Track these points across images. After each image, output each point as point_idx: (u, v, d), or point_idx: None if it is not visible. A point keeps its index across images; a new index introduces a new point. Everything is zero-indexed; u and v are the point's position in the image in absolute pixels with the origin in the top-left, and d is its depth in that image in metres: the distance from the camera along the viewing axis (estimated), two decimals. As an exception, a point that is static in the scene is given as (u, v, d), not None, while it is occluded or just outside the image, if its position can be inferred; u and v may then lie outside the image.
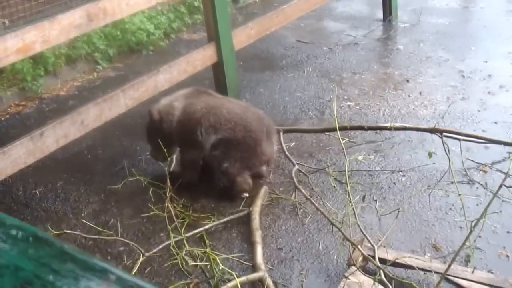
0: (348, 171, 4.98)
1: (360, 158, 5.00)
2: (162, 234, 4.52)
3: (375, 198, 4.75)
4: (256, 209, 4.59)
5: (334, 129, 5.44)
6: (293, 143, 5.58)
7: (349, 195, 4.08)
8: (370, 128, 5.55)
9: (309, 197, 4.53)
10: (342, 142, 4.40)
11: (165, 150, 4.76)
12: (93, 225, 4.57)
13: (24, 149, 4.25)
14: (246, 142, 4.75)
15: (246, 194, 4.83)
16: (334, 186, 4.84)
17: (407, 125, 5.54)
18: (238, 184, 4.81)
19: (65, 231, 4.23)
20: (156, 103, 5.02)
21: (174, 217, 4.53)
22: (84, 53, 7.71)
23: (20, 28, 4.22)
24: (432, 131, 5.24)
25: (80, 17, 4.47)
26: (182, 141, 4.91)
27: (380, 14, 9.00)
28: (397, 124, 5.54)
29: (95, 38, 7.72)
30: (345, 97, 6.47)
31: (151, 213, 4.63)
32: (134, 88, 4.93)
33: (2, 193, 5.15)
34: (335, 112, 4.71)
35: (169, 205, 4.60)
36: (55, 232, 4.15)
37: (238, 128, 4.74)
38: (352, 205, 4.04)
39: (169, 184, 4.50)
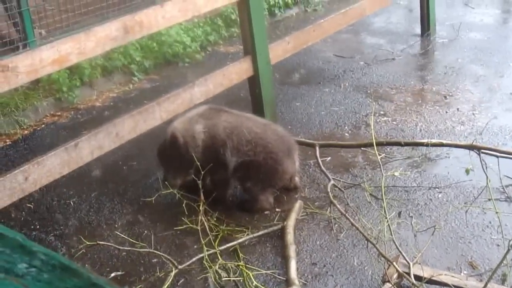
0: (384, 187, 4.94)
1: (396, 174, 4.93)
2: (195, 247, 4.49)
3: (410, 214, 4.67)
4: (291, 223, 4.55)
5: (370, 145, 5.40)
6: (328, 158, 5.53)
7: (385, 211, 4.02)
8: (407, 144, 5.47)
9: (345, 213, 4.48)
10: (379, 157, 4.34)
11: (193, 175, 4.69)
12: (126, 237, 4.56)
13: (59, 159, 4.26)
14: (268, 163, 4.77)
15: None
16: (370, 202, 4.77)
17: (444, 142, 5.45)
18: (259, 203, 4.85)
19: (98, 242, 4.22)
20: (174, 125, 4.90)
21: (208, 230, 4.50)
22: (120, 64, 7.76)
23: (56, 40, 4.24)
24: (470, 148, 5.15)
25: (117, 30, 4.48)
26: (210, 162, 4.75)
27: (418, 29, 8.91)
28: (434, 141, 5.47)
29: (131, 50, 7.76)
30: (382, 112, 6.40)
31: (185, 226, 4.61)
32: (170, 100, 4.93)
33: (36, 202, 5.19)
34: (372, 128, 4.65)
35: (203, 218, 4.58)
36: (88, 242, 4.14)
37: (258, 149, 4.75)
38: (388, 221, 3.98)
39: (202, 197, 4.47)
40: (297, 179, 5.10)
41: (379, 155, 4.52)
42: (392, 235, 3.93)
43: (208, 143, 4.80)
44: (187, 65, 8.25)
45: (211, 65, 8.22)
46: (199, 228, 4.45)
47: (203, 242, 4.36)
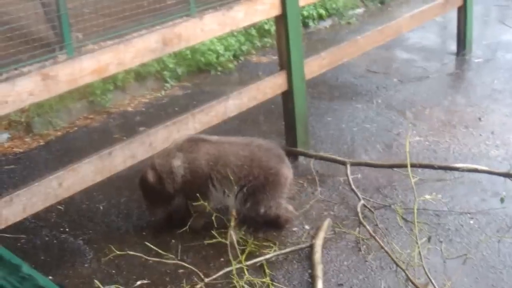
0: (413, 210, 4.90)
1: (428, 197, 4.88)
2: (222, 260, 4.51)
3: (440, 240, 4.62)
4: (319, 242, 4.54)
5: (402, 166, 5.38)
6: (359, 175, 5.51)
7: (416, 236, 3.99)
8: (440, 168, 5.43)
9: (374, 234, 4.46)
10: (413, 181, 4.32)
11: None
12: (153, 247, 4.58)
13: (92, 167, 4.30)
14: (270, 180, 4.75)
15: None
16: (401, 226, 4.72)
17: (479, 167, 5.38)
18: (283, 219, 4.85)
19: (128, 251, 4.25)
20: (151, 161, 4.81)
21: (235, 244, 4.52)
22: (154, 70, 7.82)
23: (97, 50, 4.28)
24: (505, 175, 5.09)
25: (156, 42, 4.50)
26: (191, 195, 4.69)
27: (453, 47, 8.83)
28: (468, 165, 5.41)
29: (165, 57, 7.81)
30: (414, 132, 6.35)
31: (214, 240, 4.62)
32: (204, 112, 4.95)
33: (66, 205, 5.23)
34: (407, 149, 4.61)
35: (232, 232, 4.60)
36: (118, 252, 4.17)
37: (255, 171, 4.72)
38: (418, 246, 3.95)
39: (234, 213, 4.49)
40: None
41: (413, 177, 4.47)
42: (422, 261, 3.90)
43: (188, 178, 4.73)
44: (219, 73, 8.29)
45: (243, 74, 8.28)
46: (228, 242, 4.47)
47: (230, 256, 4.38)
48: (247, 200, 4.74)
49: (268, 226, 4.86)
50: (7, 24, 7.77)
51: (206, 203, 4.53)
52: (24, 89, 3.89)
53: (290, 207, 4.92)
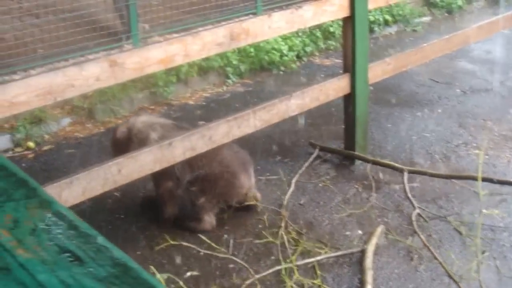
0: (469, 223, 4.84)
1: (486, 211, 4.80)
2: (272, 258, 4.52)
3: (494, 256, 4.54)
4: (371, 247, 4.51)
5: (460, 177, 5.32)
6: (415, 184, 5.45)
7: (476, 249, 3.93)
8: (499, 182, 5.33)
9: (428, 244, 4.41)
10: (481, 194, 4.25)
11: None
12: (206, 239, 4.62)
13: (152, 156, 4.35)
14: (224, 177, 4.79)
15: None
16: (455, 239, 4.66)
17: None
18: (203, 224, 4.85)
19: (181, 242, 4.30)
20: (131, 122, 5.01)
21: (287, 243, 4.53)
22: (217, 65, 7.87)
23: (165, 40, 4.33)
24: None
25: (223, 36, 4.54)
26: (157, 173, 4.70)
27: (520, 61, 8.67)
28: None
29: (229, 53, 7.86)
30: (474, 145, 6.25)
31: (266, 239, 4.64)
32: (265, 110, 4.96)
33: (123, 191, 5.31)
34: (481, 162, 4.53)
35: (283, 232, 4.62)
36: (172, 242, 4.23)
37: (213, 164, 4.76)
38: (477, 260, 3.88)
39: (285, 211, 4.50)
40: (258, 194, 5.10)
41: (474, 190, 4.40)
42: (479, 276, 3.84)
43: None
44: (281, 73, 8.30)
45: (305, 75, 8.26)
46: (278, 242, 4.50)
47: (281, 255, 4.40)
48: (194, 184, 4.78)
49: (183, 228, 4.89)
50: (76, 11, 7.93)
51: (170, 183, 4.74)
52: (91, 74, 3.97)
53: (214, 222, 4.89)
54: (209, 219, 4.87)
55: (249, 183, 4.98)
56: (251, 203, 5.01)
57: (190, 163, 4.74)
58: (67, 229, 0.85)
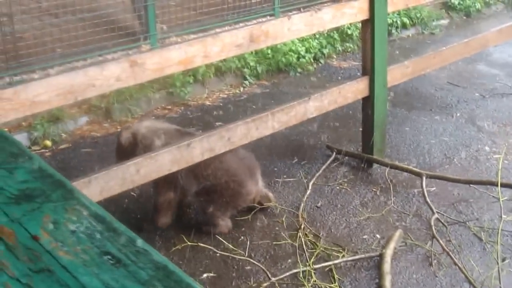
0: (489, 228, 4.80)
1: (504, 217, 4.75)
2: (289, 261, 4.50)
3: (514, 262, 4.51)
4: (389, 252, 4.48)
5: (480, 183, 5.28)
6: (433, 189, 5.41)
7: (497, 256, 3.89)
8: (519, 187, 5.29)
9: (447, 249, 4.37)
10: (501, 200, 4.21)
11: None
12: (223, 240, 4.62)
13: (170, 156, 4.35)
14: (230, 186, 4.75)
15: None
16: (475, 244, 4.62)
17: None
18: (219, 228, 4.83)
19: (198, 243, 4.29)
20: (135, 127, 4.96)
21: (304, 246, 4.52)
22: (234, 66, 7.87)
23: (183, 41, 4.33)
24: None
25: (243, 37, 4.53)
26: (159, 181, 4.69)
27: (541, 65, 8.60)
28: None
29: (246, 54, 7.85)
30: (494, 149, 6.20)
31: (284, 241, 4.62)
32: (284, 112, 4.95)
33: (140, 191, 5.32)
34: (500, 167, 4.49)
35: (301, 235, 4.60)
36: (190, 243, 4.22)
37: (219, 173, 4.73)
38: (499, 267, 3.85)
39: (304, 214, 4.49)
40: (270, 194, 5.12)
41: (493, 195, 4.37)
42: (500, 283, 3.80)
43: None
44: (299, 75, 8.28)
45: (322, 78, 8.24)
46: (296, 244, 4.48)
47: (299, 258, 4.38)
48: (202, 195, 4.77)
49: (200, 225, 4.88)
50: (95, 12, 7.96)
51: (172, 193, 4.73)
52: (112, 74, 3.98)
53: (230, 224, 4.89)
54: (224, 223, 4.86)
55: (256, 189, 4.95)
56: (268, 204, 5.00)
57: (195, 173, 4.72)
58: (106, 231, 0.84)
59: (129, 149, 4.78)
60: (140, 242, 0.80)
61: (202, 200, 4.81)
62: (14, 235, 0.84)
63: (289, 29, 4.82)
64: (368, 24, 5.40)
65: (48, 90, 3.79)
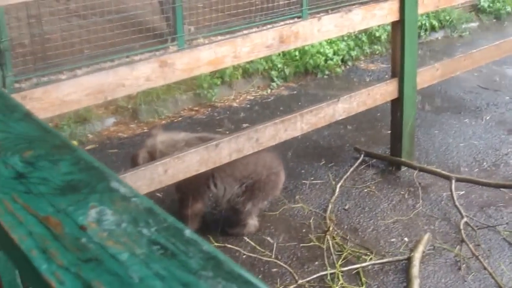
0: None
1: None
2: (316, 263, 4.48)
3: (544, 268, 4.44)
4: (417, 255, 4.44)
5: (510, 186, 5.22)
6: (462, 192, 5.35)
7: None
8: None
9: (476, 254, 4.32)
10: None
11: None
12: (251, 242, 4.61)
13: (198, 157, 4.35)
14: (271, 179, 4.82)
15: None
16: (504, 249, 4.56)
17: None
18: (248, 228, 4.83)
19: (225, 245, 4.29)
20: (150, 144, 4.75)
21: (331, 248, 4.49)
22: (261, 68, 7.86)
23: (210, 42, 4.33)
24: None
25: (273, 38, 4.52)
26: (185, 193, 4.68)
27: None
28: None
29: (274, 56, 7.84)
30: (523, 153, 6.13)
31: (311, 243, 4.60)
32: (312, 113, 4.93)
33: (165, 192, 5.30)
34: None
35: (328, 237, 4.58)
36: (216, 244, 4.22)
37: (259, 169, 4.76)
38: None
39: (332, 216, 4.47)
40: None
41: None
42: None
43: None
44: (326, 77, 8.24)
45: (350, 80, 8.20)
46: (324, 246, 4.46)
47: (326, 260, 4.36)
48: (241, 195, 4.75)
49: (226, 234, 4.83)
50: (122, 13, 8.00)
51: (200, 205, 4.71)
52: (142, 74, 3.99)
53: (257, 224, 4.89)
54: (253, 222, 4.85)
55: (284, 177, 5.03)
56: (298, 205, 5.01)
57: (234, 177, 4.71)
58: (153, 222, 0.83)
59: None
60: (188, 232, 0.79)
61: (243, 199, 4.78)
62: (61, 225, 0.84)
63: (319, 30, 4.80)
64: (398, 26, 5.37)
65: (78, 90, 3.81)
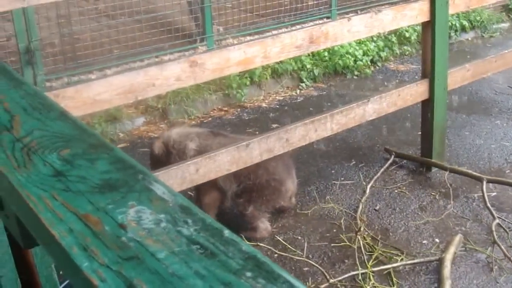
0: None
1: None
2: (347, 263, 4.47)
3: None
4: (449, 256, 4.40)
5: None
6: (494, 193, 5.30)
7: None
8: None
9: (508, 255, 4.28)
10: None
11: None
12: (283, 241, 4.62)
13: (229, 157, 4.36)
14: (271, 185, 4.73)
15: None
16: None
17: None
18: (259, 232, 4.79)
19: (259, 243, 4.30)
20: (167, 134, 4.91)
21: (362, 248, 4.47)
22: (291, 69, 7.85)
23: (239, 43, 4.34)
24: None
25: (302, 39, 4.51)
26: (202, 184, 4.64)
27: None
28: None
29: (303, 56, 7.83)
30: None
31: (342, 243, 4.59)
32: (343, 114, 4.91)
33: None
34: None
35: (359, 238, 4.56)
36: (248, 243, 4.22)
37: (260, 172, 4.68)
38: None
39: (363, 217, 4.45)
40: (293, 199, 5.09)
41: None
42: None
43: None
44: (355, 78, 8.21)
45: (379, 81, 8.16)
46: (355, 246, 4.44)
47: (357, 260, 4.34)
48: (240, 196, 4.74)
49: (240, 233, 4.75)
50: (151, 13, 8.04)
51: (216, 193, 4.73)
52: (172, 74, 4.01)
53: (269, 227, 4.84)
54: (264, 225, 4.82)
55: (293, 187, 4.97)
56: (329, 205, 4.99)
57: (234, 174, 4.67)
58: (192, 221, 0.83)
59: (163, 158, 4.79)
60: (227, 232, 0.79)
61: (242, 200, 4.78)
62: (101, 223, 0.84)
63: (348, 31, 4.79)
64: (429, 26, 5.33)
65: (109, 89, 3.84)
